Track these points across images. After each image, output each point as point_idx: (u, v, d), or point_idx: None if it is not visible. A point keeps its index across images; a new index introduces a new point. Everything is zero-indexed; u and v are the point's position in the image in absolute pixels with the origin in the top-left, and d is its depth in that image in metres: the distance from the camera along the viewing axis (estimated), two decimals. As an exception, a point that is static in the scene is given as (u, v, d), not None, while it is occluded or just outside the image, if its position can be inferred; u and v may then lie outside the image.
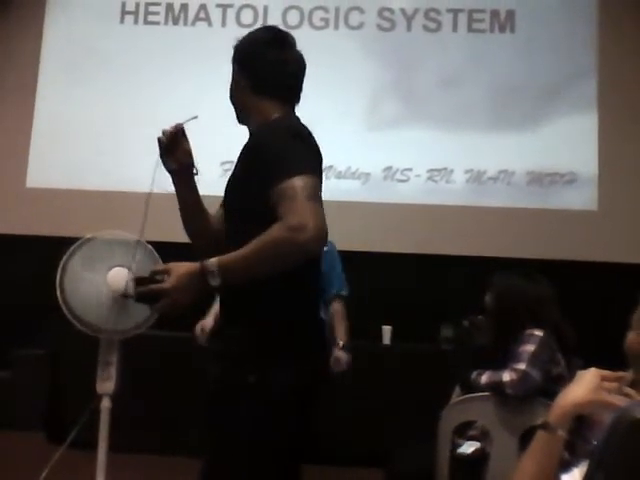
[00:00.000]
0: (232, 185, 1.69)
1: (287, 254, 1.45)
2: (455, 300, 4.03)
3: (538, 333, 2.31)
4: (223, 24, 5.00)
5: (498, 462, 2.05)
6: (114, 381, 2.61)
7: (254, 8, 5.00)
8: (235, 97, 1.78)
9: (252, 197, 1.55)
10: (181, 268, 1.48)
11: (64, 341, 3.89)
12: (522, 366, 2.22)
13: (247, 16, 4.99)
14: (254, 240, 1.46)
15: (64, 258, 2.56)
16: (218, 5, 5.03)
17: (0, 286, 4.67)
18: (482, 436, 2.27)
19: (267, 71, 1.71)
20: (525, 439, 2.01)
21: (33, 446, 3.65)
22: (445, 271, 4.52)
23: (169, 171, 1.79)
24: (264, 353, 1.52)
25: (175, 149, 1.76)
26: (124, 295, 2.14)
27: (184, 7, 5.07)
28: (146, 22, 5.09)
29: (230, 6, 5.01)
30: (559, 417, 1.09)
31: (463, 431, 2.28)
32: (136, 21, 5.09)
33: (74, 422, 2.55)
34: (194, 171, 1.79)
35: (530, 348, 2.27)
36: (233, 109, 1.80)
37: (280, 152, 1.54)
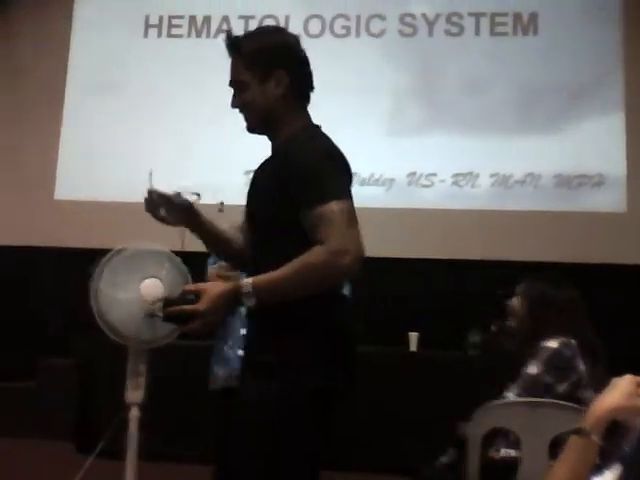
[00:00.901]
0: (263, 199, 1.64)
1: (328, 277, 1.48)
2: (482, 305, 4.00)
3: (551, 345, 2.30)
4: (245, 35, 5.05)
5: (528, 468, 2.03)
6: (143, 390, 2.63)
7: (276, 18, 5.03)
8: (272, 107, 1.63)
9: (286, 214, 1.54)
10: (215, 288, 1.49)
11: (92, 351, 3.93)
12: (510, 395, 2.23)
13: (269, 26, 5.03)
14: (292, 262, 1.46)
15: (97, 268, 2.59)
16: (240, 17, 5.08)
17: (27, 297, 4.74)
18: (511, 443, 2.25)
19: (308, 77, 1.67)
20: (555, 446, 1.99)
21: (62, 456, 3.68)
22: (472, 276, 4.49)
23: (177, 225, 1.77)
24: (289, 361, 1.52)
25: (166, 205, 1.71)
26: (151, 315, 2.16)
27: (207, 19, 5.13)
28: (169, 35, 5.16)
29: (252, 17, 5.06)
30: (593, 423, 1.09)
31: (491, 439, 2.26)
32: (160, 34, 5.17)
33: (103, 432, 2.58)
34: (195, 198, 1.78)
35: (532, 370, 2.26)
36: (255, 121, 1.66)
37: (317, 174, 1.52)
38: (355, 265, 1.46)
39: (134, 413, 2.61)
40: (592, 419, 1.09)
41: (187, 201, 1.74)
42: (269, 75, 1.61)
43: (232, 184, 4.98)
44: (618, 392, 1.10)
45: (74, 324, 2.84)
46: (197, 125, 4.86)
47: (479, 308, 3.99)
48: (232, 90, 1.70)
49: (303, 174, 1.52)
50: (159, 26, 5.17)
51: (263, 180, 1.67)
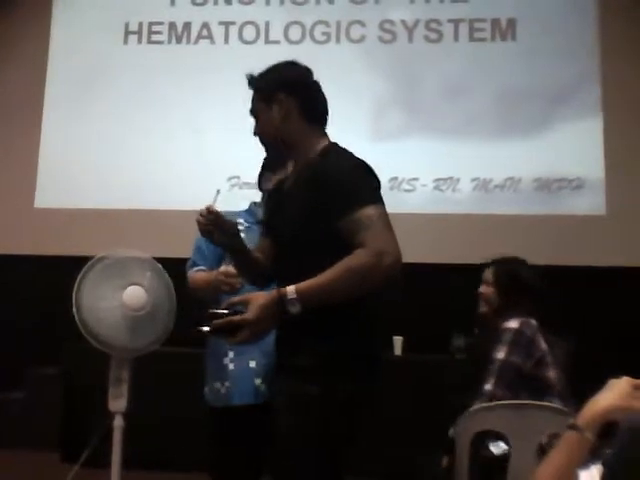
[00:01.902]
0: (294, 217, 1.69)
1: (371, 279, 1.52)
2: (465, 309, 4.02)
3: (513, 325, 2.35)
4: (226, 41, 5.04)
5: (517, 471, 2.03)
6: (126, 399, 2.61)
7: (256, 25, 5.03)
8: (280, 129, 1.74)
9: (319, 229, 1.59)
10: (260, 298, 1.51)
11: (77, 360, 3.89)
12: (489, 387, 2.26)
13: (249, 33, 5.03)
14: (335, 266, 1.50)
15: (79, 276, 2.58)
16: (220, 23, 5.07)
17: (11, 306, 4.68)
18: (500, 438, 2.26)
19: (317, 99, 1.78)
20: (543, 448, 2.00)
21: (48, 466, 3.65)
22: (454, 280, 4.50)
23: (219, 245, 1.83)
24: (327, 366, 1.56)
25: (217, 228, 1.75)
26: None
27: (187, 26, 5.11)
28: (150, 41, 5.13)
29: (232, 23, 5.05)
30: (588, 421, 1.11)
31: (481, 441, 2.27)
32: (140, 41, 5.14)
33: (88, 441, 2.55)
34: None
35: (500, 355, 2.31)
36: (269, 144, 1.77)
37: (353, 183, 1.61)
38: (396, 266, 1.53)
39: (118, 422, 2.59)
40: (587, 417, 1.11)
41: (237, 227, 1.80)
42: (272, 100, 1.74)
43: (214, 190, 4.98)
44: (615, 392, 1.12)
45: (60, 332, 2.80)
46: (179, 132, 4.84)
47: (462, 311, 4.01)
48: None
49: (339, 185, 1.60)
50: (139, 33, 5.14)
51: (292, 197, 1.72)
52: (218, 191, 1.79)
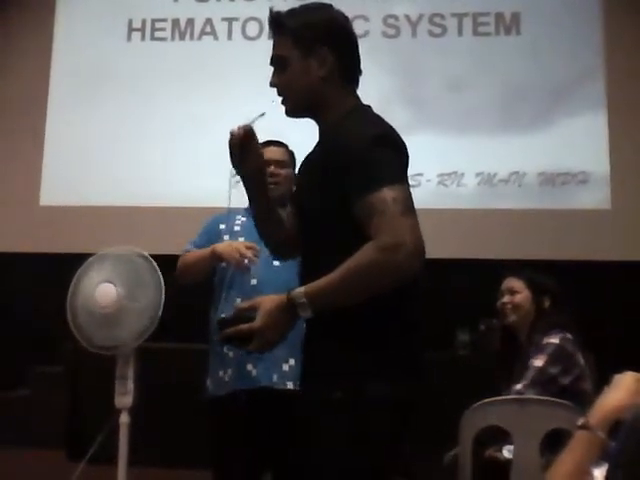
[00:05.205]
0: (310, 190, 1.52)
1: (384, 277, 1.33)
2: (470, 304, 4.01)
3: (554, 340, 2.35)
4: (229, 37, 5.04)
5: (520, 466, 2.03)
6: (132, 395, 2.62)
7: (259, 20, 5.02)
8: (316, 87, 1.52)
9: (334, 205, 1.42)
10: (268, 303, 1.38)
11: (81, 357, 3.90)
12: (519, 387, 2.27)
13: (252, 28, 5.02)
14: (344, 263, 1.33)
15: (76, 275, 2.59)
16: (224, 19, 5.07)
17: (16, 304, 4.70)
18: (504, 441, 2.26)
19: (354, 55, 1.58)
20: (547, 443, 2.00)
21: (53, 463, 3.66)
22: (459, 275, 4.50)
23: (241, 176, 1.59)
24: (353, 368, 1.42)
25: (246, 152, 1.54)
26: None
27: (190, 22, 5.10)
28: (153, 38, 5.13)
29: (235, 19, 5.05)
30: (600, 420, 1.11)
31: (484, 436, 2.27)
32: (143, 38, 5.13)
33: (94, 438, 2.56)
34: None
35: (538, 363, 2.32)
36: (292, 101, 1.54)
37: (368, 160, 1.39)
38: (412, 260, 1.32)
39: (124, 418, 2.60)
40: (598, 416, 1.11)
41: (262, 159, 1.59)
42: (312, 53, 1.51)
43: (220, 188, 4.97)
44: (624, 390, 1.11)
45: (63, 330, 2.81)
46: (183, 128, 4.84)
47: (467, 307, 4.01)
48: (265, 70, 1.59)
49: (352, 160, 1.39)
50: (142, 29, 5.14)
51: (310, 168, 1.57)
52: (263, 114, 1.56)
